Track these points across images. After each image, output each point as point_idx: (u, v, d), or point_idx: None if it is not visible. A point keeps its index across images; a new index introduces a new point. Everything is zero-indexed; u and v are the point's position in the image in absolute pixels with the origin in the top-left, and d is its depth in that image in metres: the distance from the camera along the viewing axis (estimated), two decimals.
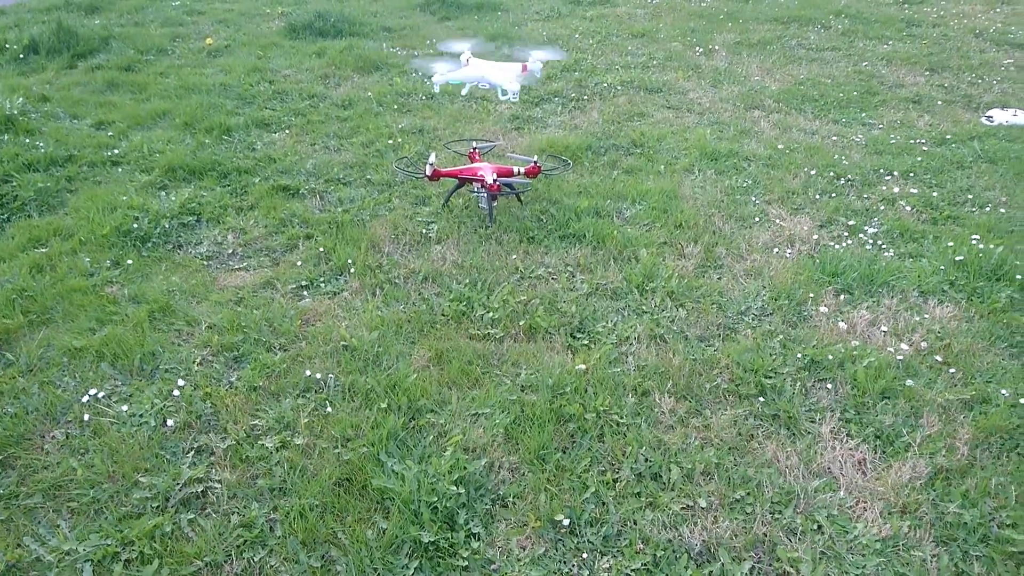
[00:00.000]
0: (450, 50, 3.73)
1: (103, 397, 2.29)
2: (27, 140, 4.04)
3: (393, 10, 7.18)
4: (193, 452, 2.11)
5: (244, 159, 3.91)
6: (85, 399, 2.26)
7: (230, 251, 3.14)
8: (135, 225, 3.20)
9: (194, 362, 2.44)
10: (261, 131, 4.33)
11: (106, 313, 2.68)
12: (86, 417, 2.20)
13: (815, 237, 3.24)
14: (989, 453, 2.13)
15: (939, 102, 4.91)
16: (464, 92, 3.53)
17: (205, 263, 3.04)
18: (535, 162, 3.39)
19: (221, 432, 2.18)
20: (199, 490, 1.98)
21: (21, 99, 4.48)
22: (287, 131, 4.34)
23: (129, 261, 3.00)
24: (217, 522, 1.89)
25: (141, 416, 2.21)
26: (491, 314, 2.69)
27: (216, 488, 1.99)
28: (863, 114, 4.68)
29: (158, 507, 1.94)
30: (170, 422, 2.18)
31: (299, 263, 3.01)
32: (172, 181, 3.69)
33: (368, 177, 3.76)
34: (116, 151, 4.00)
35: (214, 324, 2.63)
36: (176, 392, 2.29)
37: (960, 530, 1.89)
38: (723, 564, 1.80)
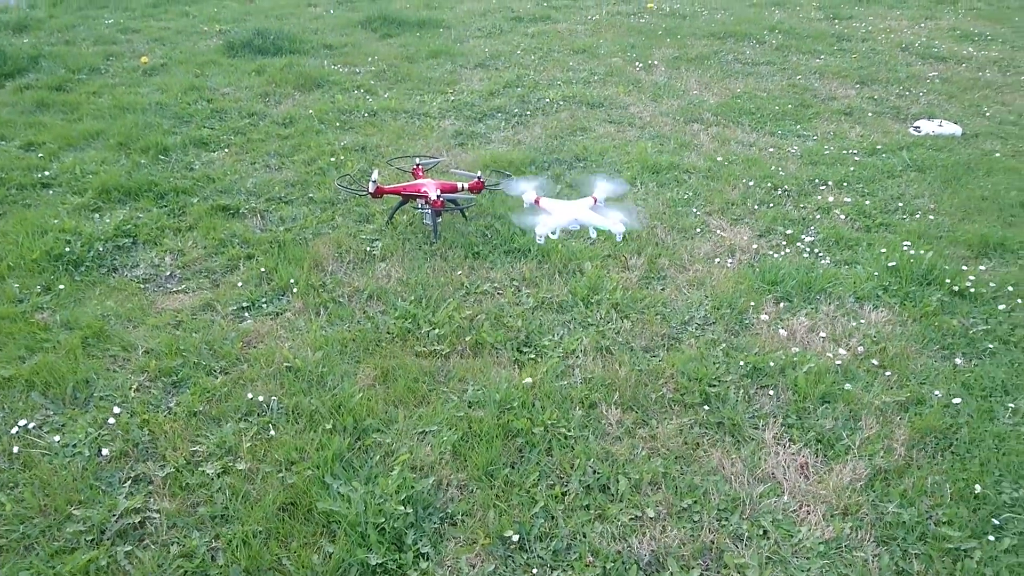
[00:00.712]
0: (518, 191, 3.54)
1: (33, 428, 2.20)
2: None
3: (334, 27, 7.14)
4: (130, 482, 2.04)
5: (182, 179, 3.83)
6: (14, 430, 2.17)
7: (168, 273, 3.07)
8: (67, 249, 3.10)
9: (131, 388, 2.37)
10: (199, 150, 4.25)
11: (36, 341, 2.58)
12: (15, 449, 2.11)
13: (755, 247, 3.31)
14: (924, 453, 2.19)
15: (869, 114, 5.08)
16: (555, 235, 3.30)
17: (142, 286, 2.96)
18: (479, 177, 3.40)
19: (159, 460, 2.11)
20: (136, 521, 1.92)
21: None
22: (226, 150, 4.26)
23: (61, 286, 2.90)
24: (156, 553, 1.83)
25: (74, 446, 2.13)
26: (437, 330, 2.68)
27: (154, 518, 1.93)
28: (798, 126, 4.81)
29: (93, 540, 1.87)
30: (105, 451, 2.11)
31: (240, 284, 2.96)
32: (106, 203, 3.59)
33: (310, 195, 3.72)
34: (47, 173, 3.88)
35: (151, 349, 2.56)
36: (111, 420, 2.22)
37: (899, 529, 1.94)
38: (671, 573, 1.81)
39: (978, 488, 2.04)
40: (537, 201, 3.40)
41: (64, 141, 4.31)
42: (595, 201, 3.40)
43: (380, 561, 1.80)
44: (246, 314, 2.80)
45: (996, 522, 1.96)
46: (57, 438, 2.15)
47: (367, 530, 1.86)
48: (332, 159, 4.11)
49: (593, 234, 3.30)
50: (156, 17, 7.42)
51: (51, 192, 3.72)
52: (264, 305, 2.86)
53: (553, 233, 3.22)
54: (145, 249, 3.23)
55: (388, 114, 4.85)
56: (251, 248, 3.22)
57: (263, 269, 3.04)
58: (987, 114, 5.09)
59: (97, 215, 3.45)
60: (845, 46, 6.81)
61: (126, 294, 2.90)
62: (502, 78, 5.63)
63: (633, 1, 8.62)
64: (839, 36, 7.11)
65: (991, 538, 1.90)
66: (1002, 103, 5.35)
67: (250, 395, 2.33)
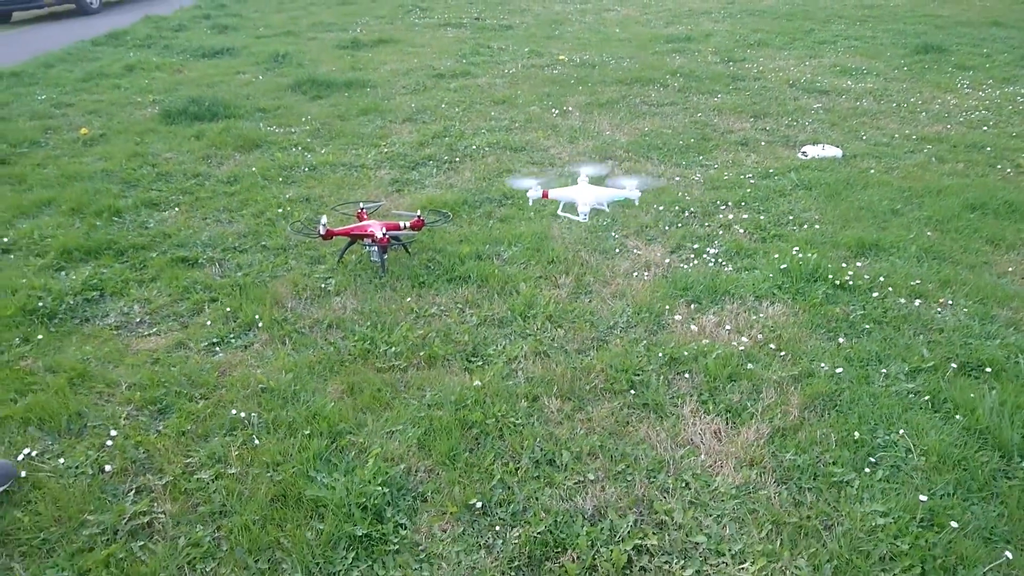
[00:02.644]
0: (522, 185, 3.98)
1: (36, 455, 2.44)
2: None
3: (264, 92, 7.48)
4: (134, 491, 2.30)
5: (138, 236, 4.09)
6: (20, 457, 2.41)
7: (138, 319, 3.32)
8: (40, 303, 3.33)
9: (121, 417, 2.63)
10: (151, 210, 4.51)
11: (25, 384, 2.81)
12: (23, 474, 2.35)
13: (667, 261, 3.75)
14: (814, 413, 2.62)
15: (763, 143, 5.67)
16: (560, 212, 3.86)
17: (115, 332, 3.21)
18: (419, 215, 3.77)
19: (158, 472, 2.38)
20: (145, 521, 2.18)
21: None
22: (176, 208, 4.54)
23: (39, 336, 3.13)
24: (166, 546, 2.10)
25: (78, 467, 2.38)
26: (393, 349, 3.01)
27: (161, 518, 2.19)
28: (700, 157, 5.35)
29: (107, 540, 2.12)
30: (108, 468, 2.36)
31: (208, 323, 3.24)
32: (69, 262, 3.83)
33: (263, 243, 4.02)
34: (5, 239, 4.08)
35: (134, 383, 2.82)
36: (109, 443, 2.47)
37: (795, 471, 2.34)
38: (611, 520, 2.16)
39: (857, 435, 2.47)
40: (545, 194, 3.79)
41: (16, 210, 4.51)
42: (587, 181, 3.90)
43: (365, 532, 2.10)
44: (217, 348, 3.08)
45: (872, 459, 2.38)
46: (61, 460, 2.40)
47: (351, 509, 2.16)
48: (279, 210, 4.43)
49: (607, 208, 3.78)
50: (88, 91, 7.63)
51: (12, 256, 3.93)
52: (232, 340, 3.14)
53: (584, 215, 3.68)
54: (113, 300, 3.47)
55: (327, 168, 5.20)
56: (214, 292, 3.50)
57: (228, 309, 3.32)
58: (864, 138, 5.74)
59: (63, 273, 3.69)
60: (740, 85, 7.49)
61: (102, 339, 3.14)
62: (430, 130, 6.05)
63: (546, 54, 9.22)
64: (734, 76, 7.81)
65: (867, 471, 2.33)
66: (877, 128, 6.03)
67: (233, 412, 2.61)
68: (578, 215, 3.71)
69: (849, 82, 7.52)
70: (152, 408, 2.69)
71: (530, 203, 3.90)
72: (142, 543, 2.10)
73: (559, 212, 3.93)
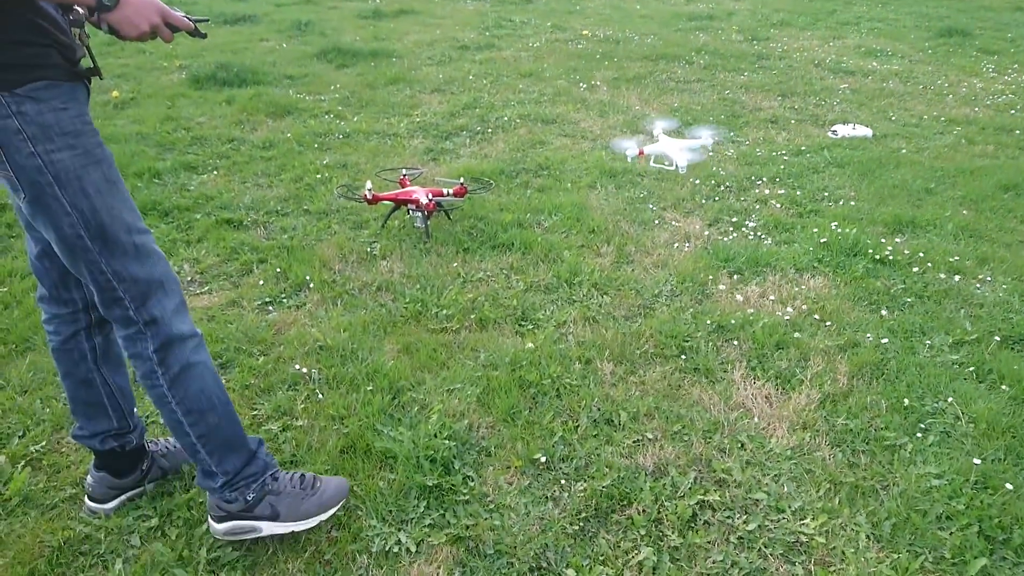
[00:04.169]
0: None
1: None
2: None
3: (290, 60, 7.48)
4: None
5: (181, 198, 4.13)
6: None
7: (189, 279, 3.37)
8: None
9: None
10: (190, 173, 4.55)
11: None
12: None
13: (706, 233, 3.80)
14: (863, 380, 2.68)
15: (792, 121, 5.69)
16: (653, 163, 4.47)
17: None
18: (461, 183, 3.81)
19: None
20: None
21: None
22: (215, 172, 4.58)
23: None
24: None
25: (147, 416, 2.44)
26: (444, 311, 3.06)
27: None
28: (731, 133, 5.38)
29: (185, 486, 2.19)
30: None
31: (260, 283, 3.29)
32: None
33: (305, 208, 4.07)
34: None
35: None
36: None
37: (848, 435, 2.40)
38: (673, 477, 2.23)
39: (906, 402, 2.53)
40: (641, 153, 4.41)
41: None
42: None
43: (435, 482, 2.17)
44: (270, 307, 3.14)
45: (923, 425, 2.44)
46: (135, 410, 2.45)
47: (420, 461, 2.23)
48: (318, 176, 4.47)
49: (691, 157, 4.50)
50: (113, 55, 7.63)
51: None
52: (284, 300, 3.19)
53: (683, 167, 4.41)
54: None
55: (361, 135, 5.23)
56: (261, 254, 3.55)
57: (278, 269, 3.38)
58: (892, 118, 5.76)
59: None
60: (765, 64, 7.49)
61: None
62: (460, 100, 6.07)
63: (568, 29, 9.21)
64: (759, 55, 7.81)
65: (918, 436, 2.39)
66: (905, 109, 6.05)
67: (294, 367, 2.67)
68: (675, 166, 4.38)
69: (874, 63, 7.52)
70: (214, 363, 2.74)
71: (628, 160, 4.51)
72: None
73: (651, 164, 4.53)
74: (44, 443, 2.35)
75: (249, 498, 1.91)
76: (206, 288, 3.29)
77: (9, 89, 1.48)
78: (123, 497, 2.12)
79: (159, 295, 1.72)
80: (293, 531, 1.95)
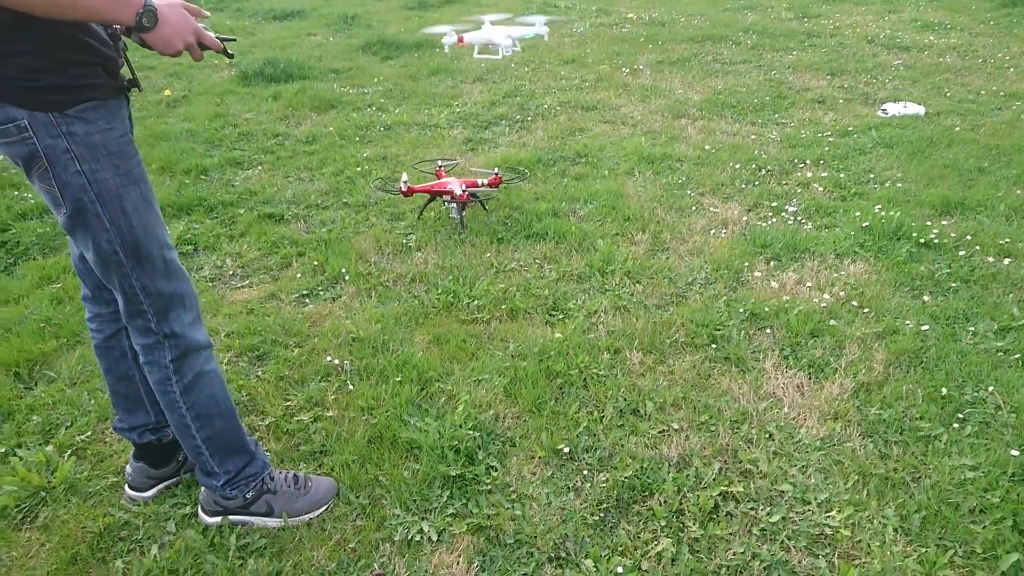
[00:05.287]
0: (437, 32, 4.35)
1: None
2: (15, 193, 4.30)
3: (336, 53, 7.59)
4: None
5: (226, 194, 4.25)
6: None
7: (231, 272, 3.47)
8: None
9: (223, 363, 2.77)
10: (235, 169, 4.67)
11: None
12: None
13: (744, 219, 3.74)
14: (900, 369, 2.61)
15: (840, 101, 5.54)
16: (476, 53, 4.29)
17: (211, 284, 3.37)
18: (496, 173, 3.82)
19: (260, 414, 2.51)
20: None
21: None
22: (259, 167, 4.68)
23: None
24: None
25: None
26: (476, 302, 3.09)
27: (267, 455, 2.32)
28: (776, 115, 5.26)
29: None
30: None
31: (298, 276, 3.36)
32: (164, 218, 3.99)
33: (344, 201, 4.13)
34: None
35: (232, 331, 2.97)
36: None
37: (880, 425, 2.35)
38: (696, 468, 2.21)
39: (944, 391, 2.46)
40: (460, 39, 4.07)
41: None
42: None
43: (459, 472, 2.20)
44: (307, 300, 3.21)
45: (960, 416, 2.37)
46: None
47: (444, 451, 2.26)
48: (358, 169, 4.53)
49: (519, 48, 4.33)
50: None
51: None
52: (321, 292, 3.26)
53: (505, 52, 4.16)
54: (207, 254, 3.63)
55: (401, 127, 5.29)
56: (301, 247, 3.63)
57: (315, 263, 3.45)
58: (948, 95, 5.56)
59: None
60: (815, 42, 7.29)
61: (199, 291, 3.30)
62: (500, 89, 6.08)
63: (614, 13, 9.11)
64: (809, 33, 7.60)
65: (955, 427, 2.32)
66: (962, 84, 5.83)
67: (327, 359, 2.74)
68: (497, 55, 4.08)
69: (931, 37, 7.25)
70: (250, 355, 2.83)
71: (446, 49, 4.32)
72: None
73: (475, 55, 4.33)
74: (89, 433, 2.46)
75: (248, 496, 2.05)
76: (247, 282, 3.38)
77: (60, 110, 1.54)
78: (161, 486, 2.21)
79: (178, 309, 1.82)
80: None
